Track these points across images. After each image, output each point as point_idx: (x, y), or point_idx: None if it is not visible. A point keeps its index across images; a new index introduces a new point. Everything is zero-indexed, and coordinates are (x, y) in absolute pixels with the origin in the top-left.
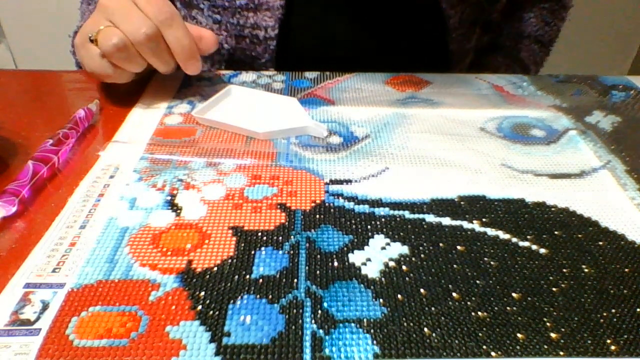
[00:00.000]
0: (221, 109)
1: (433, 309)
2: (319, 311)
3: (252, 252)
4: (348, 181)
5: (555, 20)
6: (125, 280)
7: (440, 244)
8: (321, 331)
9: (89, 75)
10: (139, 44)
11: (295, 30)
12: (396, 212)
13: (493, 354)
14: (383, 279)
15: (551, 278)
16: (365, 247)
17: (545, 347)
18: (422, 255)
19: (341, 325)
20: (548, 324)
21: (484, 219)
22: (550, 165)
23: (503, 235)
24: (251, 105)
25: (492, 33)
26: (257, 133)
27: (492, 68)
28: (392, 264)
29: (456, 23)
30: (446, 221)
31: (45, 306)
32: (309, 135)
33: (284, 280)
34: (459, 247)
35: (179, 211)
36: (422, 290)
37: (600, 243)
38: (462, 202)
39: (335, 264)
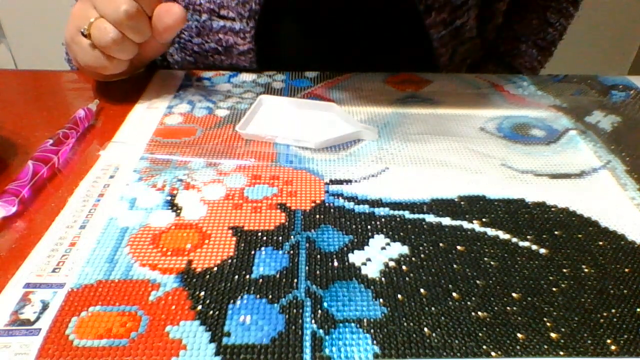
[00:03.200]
0: (261, 121)
1: (433, 309)
2: (319, 311)
3: (252, 252)
4: (348, 181)
5: (561, 20)
6: (125, 280)
7: (440, 244)
8: (321, 331)
9: (88, 75)
10: (120, 23)
11: (275, 65)
12: (396, 212)
13: (493, 354)
14: (383, 279)
15: (551, 278)
16: (365, 247)
17: (545, 347)
18: (422, 255)
19: (341, 325)
20: (548, 324)
21: (484, 219)
22: (550, 165)
23: (503, 235)
24: (289, 114)
25: (485, 48)
26: (309, 143)
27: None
28: (392, 264)
29: (447, 61)
30: (446, 221)
31: (45, 306)
32: (361, 139)
33: (284, 280)
34: (459, 247)
35: (179, 211)
36: (422, 290)
37: (600, 243)
38: (462, 202)
39: (335, 264)
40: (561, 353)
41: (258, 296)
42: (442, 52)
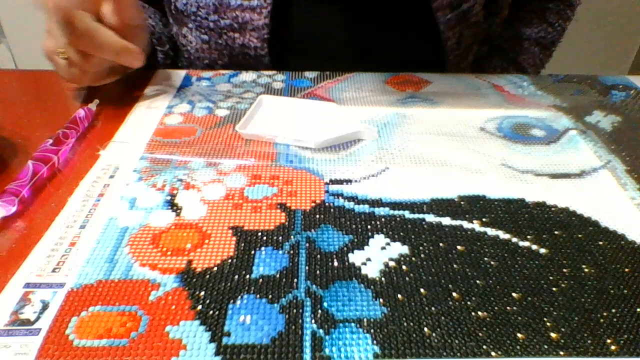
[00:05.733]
0: (261, 121)
1: (433, 309)
2: (319, 311)
3: (252, 252)
4: (348, 181)
5: (560, 21)
6: (125, 280)
7: (440, 244)
8: (321, 331)
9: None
10: (69, 46)
11: (285, 45)
12: (396, 212)
13: (493, 354)
14: (383, 279)
15: (551, 278)
16: (365, 247)
17: (545, 347)
18: (422, 255)
19: (341, 325)
20: (548, 324)
21: (484, 219)
22: (550, 165)
23: (503, 235)
24: (290, 114)
25: (490, 42)
26: (309, 143)
27: (488, 70)
28: (392, 264)
29: (454, 45)
30: (446, 221)
31: (45, 306)
32: (361, 139)
33: (284, 280)
34: (459, 247)
35: (179, 211)
36: (422, 290)
37: (600, 243)
38: (462, 202)
39: (335, 263)
40: (561, 353)
41: (258, 296)
42: (448, 35)
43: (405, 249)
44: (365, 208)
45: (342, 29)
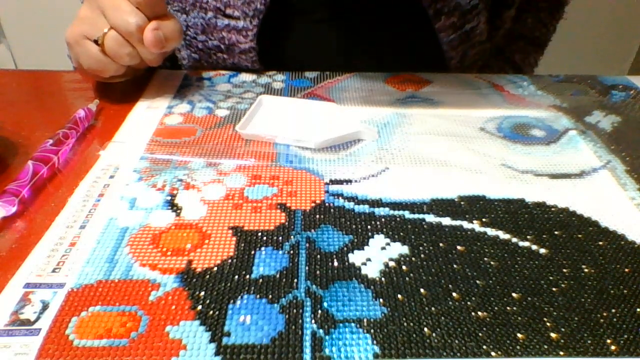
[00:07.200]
0: (261, 121)
1: (433, 309)
2: (319, 311)
3: (252, 252)
4: (348, 181)
5: (553, 21)
6: (125, 280)
7: (440, 244)
8: (321, 331)
9: (88, 75)
10: (130, 36)
11: (279, 65)
12: (396, 212)
13: (493, 354)
14: (383, 279)
15: (551, 278)
16: (365, 247)
17: (545, 347)
18: (422, 255)
19: (341, 325)
20: (548, 324)
21: (484, 219)
22: (550, 165)
23: (503, 235)
24: (290, 114)
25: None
26: (309, 143)
27: (485, 70)
28: (392, 264)
29: (457, 64)
30: (446, 221)
31: (45, 306)
32: (361, 139)
33: (284, 280)
34: (459, 247)
35: (179, 211)
36: (422, 290)
37: (600, 243)
38: (462, 202)
39: (335, 264)
40: (561, 353)
41: (258, 296)
42: (452, 55)
43: (405, 249)
44: (365, 208)
45: (338, 52)
